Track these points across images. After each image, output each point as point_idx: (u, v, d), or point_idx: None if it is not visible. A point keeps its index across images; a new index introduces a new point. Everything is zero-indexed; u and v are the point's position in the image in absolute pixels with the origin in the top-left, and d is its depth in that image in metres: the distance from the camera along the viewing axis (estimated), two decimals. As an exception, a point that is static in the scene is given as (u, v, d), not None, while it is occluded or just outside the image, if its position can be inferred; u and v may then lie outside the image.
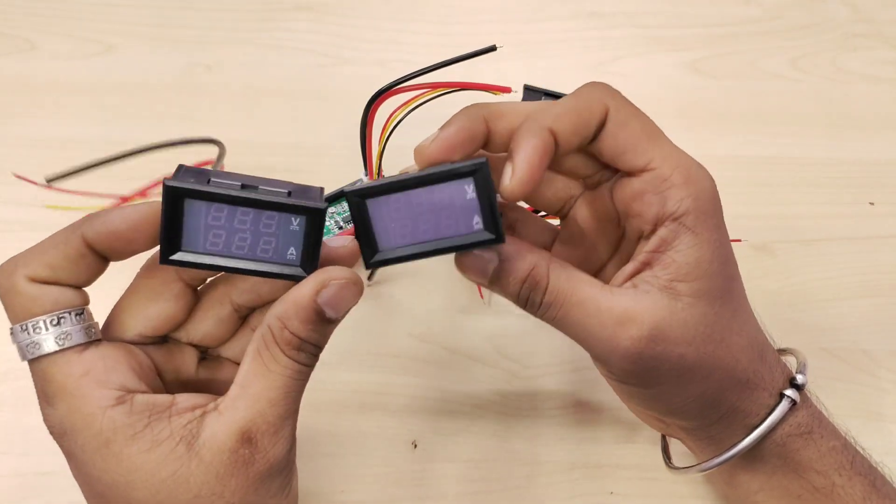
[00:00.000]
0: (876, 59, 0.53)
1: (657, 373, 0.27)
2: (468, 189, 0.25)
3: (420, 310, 0.42)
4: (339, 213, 0.41)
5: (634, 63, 0.53)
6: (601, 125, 0.26)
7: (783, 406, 0.29)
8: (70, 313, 0.25)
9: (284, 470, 0.26)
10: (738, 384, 0.28)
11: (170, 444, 0.24)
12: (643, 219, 0.27)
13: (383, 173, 0.40)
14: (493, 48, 0.32)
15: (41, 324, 0.24)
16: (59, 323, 0.24)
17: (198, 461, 0.24)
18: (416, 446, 0.38)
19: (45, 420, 0.25)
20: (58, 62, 0.52)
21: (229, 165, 0.47)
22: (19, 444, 0.38)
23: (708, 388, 0.28)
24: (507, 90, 0.34)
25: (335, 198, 0.42)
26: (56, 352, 0.24)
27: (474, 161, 0.25)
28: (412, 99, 0.36)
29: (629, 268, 0.27)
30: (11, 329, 0.24)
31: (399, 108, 0.37)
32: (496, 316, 0.42)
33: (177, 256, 0.25)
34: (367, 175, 0.40)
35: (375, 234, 0.26)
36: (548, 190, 0.30)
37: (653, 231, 0.27)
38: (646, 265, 0.27)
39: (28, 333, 0.24)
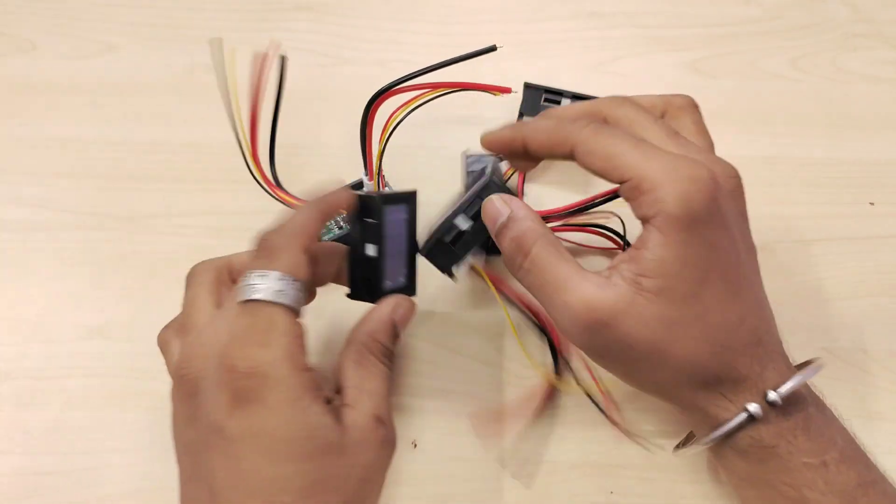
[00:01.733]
0: (876, 59, 0.53)
1: (608, 353, 0.30)
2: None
3: (420, 309, 0.42)
4: (339, 216, 0.42)
5: (634, 63, 0.53)
6: (571, 155, 0.31)
7: (738, 418, 0.29)
8: (304, 286, 0.30)
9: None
10: (695, 383, 0.29)
11: (329, 417, 0.29)
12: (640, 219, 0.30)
13: (383, 174, 0.40)
14: (493, 48, 0.32)
15: (293, 281, 0.30)
16: (300, 288, 0.30)
17: (349, 436, 0.29)
18: (415, 446, 0.38)
19: (246, 359, 0.28)
20: (58, 62, 0.52)
21: (232, 165, 0.47)
22: (20, 444, 0.38)
23: (661, 378, 0.30)
24: (506, 90, 0.34)
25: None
26: (290, 306, 0.30)
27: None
28: (412, 99, 0.36)
29: (621, 256, 0.30)
30: (270, 275, 0.30)
31: (399, 108, 0.37)
32: (496, 315, 0.42)
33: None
34: (367, 175, 0.40)
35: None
36: None
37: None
38: (628, 259, 0.29)
39: (285, 283, 0.29)
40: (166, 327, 0.34)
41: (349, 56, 0.52)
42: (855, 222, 0.46)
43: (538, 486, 0.37)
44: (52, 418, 0.39)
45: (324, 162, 0.48)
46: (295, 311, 0.30)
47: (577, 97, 0.38)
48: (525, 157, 0.33)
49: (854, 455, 0.30)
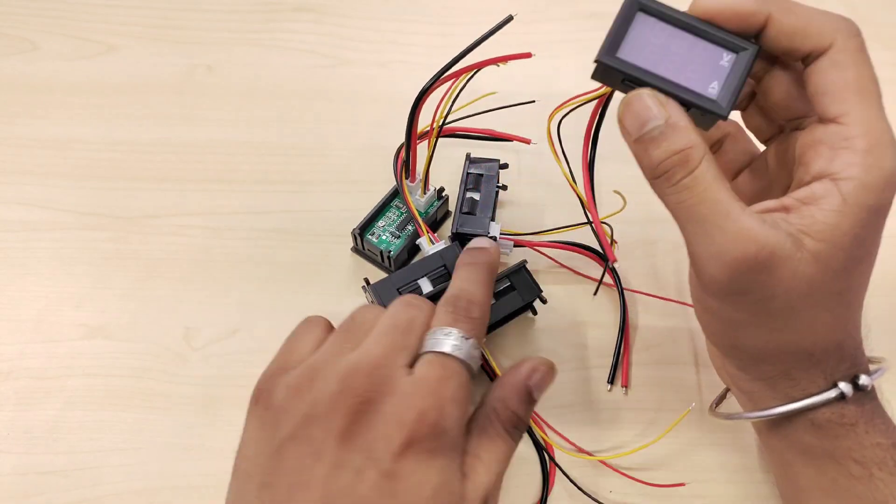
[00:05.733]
0: (874, 60, 0.53)
1: (742, 298, 0.27)
2: (725, 58, 0.27)
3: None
4: (388, 225, 0.42)
5: (634, 64, 0.53)
6: (818, 53, 0.26)
7: (829, 393, 0.29)
8: None
9: None
10: (800, 354, 0.29)
11: (459, 486, 0.27)
12: (807, 169, 0.27)
13: (430, 178, 0.41)
14: (510, 18, 0.32)
15: (478, 349, 0.29)
16: (479, 353, 0.29)
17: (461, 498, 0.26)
18: (416, 446, 0.38)
19: (436, 411, 0.26)
20: (59, 62, 0.52)
21: (232, 165, 0.48)
22: (21, 443, 0.38)
23: (773, 341, 0.28)
24: (527, 55, 0.34)
25: (378, 212, 0.42)
26: (475, 374, 0.29)
27: (748, 42, 0.27)
28: (448, 90, 0.36)
29: (769, 203, 0.27)
30: (470, 341, 0.28)
31: (439, 104, 0.37)
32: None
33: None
34: (409, 178, 0.40)
35: (623, 42, 0.27)
36: (753, 120, 0.32)
37: (809, 183, 0.26)
38: (784, 209, 0.27)
39: (478, 352, 0.29)
40: (264, 378, 0.29)
41: (350, 57, 0.53)
42: (854, 223, 0.46)
43: (538, 485, 0.37)
44: (53, 418, 0.39)
45: (324, 162, 0.48)
46: (472, 375, 0.29)
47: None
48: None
49: None
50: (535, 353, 0.41)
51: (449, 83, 0.36)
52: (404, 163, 0.40)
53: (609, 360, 0.40)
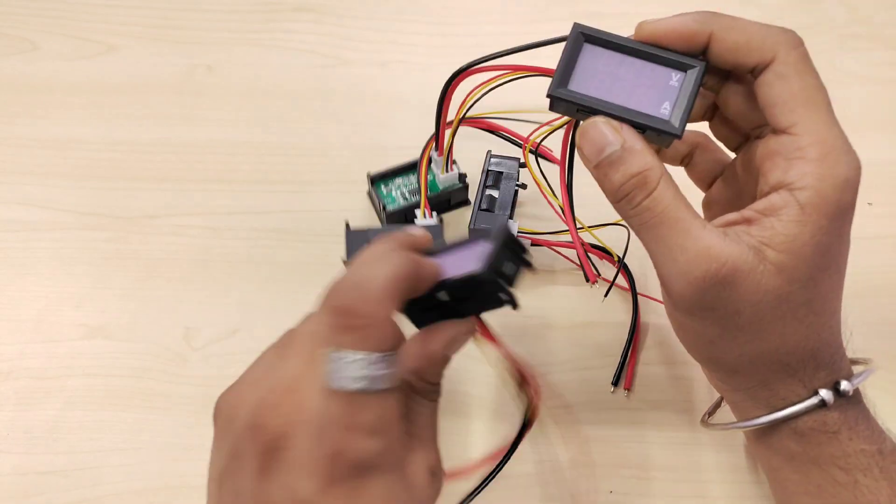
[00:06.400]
0: (873, 60, 0.53)
1: (710, 314, 0.28)
2: (674, 78, 0.28)
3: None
4: (405, 186, 0.44)
5: (634, 64, 0.53)
6: (763, 66, 0.27)
7: (810, 401, 0.29)
8: (396, 355, 0.24)
9: None
10: (774, 365, 0.29)
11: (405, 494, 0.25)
12: (765, 179, 0.27)
13: (453, 153, 0.42)
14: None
15: (386, 357, 0.23)
16: (394, 362, 0.24)
17: (412, 496, 0.25)
18: (416, 445, 0.38)
19: (354, 450, 0.23)
20: (59, 62, 0.52)
21: (232, 165, 0.48)
22: (20, 443, 0.38)
23: (746, 354, 0.29)
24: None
25: (404, 170, 0.44)
26: (388, 389, 0.24)
27: (695, 59, 0.27)
28: (488, 80, 0.36)
29: (731, 216, 0.28)
30: (361, 359, 0.23)
31: (476, 88, 0.37)
32: (496, 317, 0.42)
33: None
34: (437, 151, 0.42)
35: (573, 73, 0.28)
36: (720, 130, 0.32)
37: (768, 193, 0.27)
38: (746, 221, 0.27)
39: (380, 365, 0.23)
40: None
41: (350, 57, 0.53)
42: (854, 222, 0.46)
43: (538, 485, 0.37)
44: (52, 418, 0.39)
45: (324, 162, 0.48)
46: (392, 389, 0.24)
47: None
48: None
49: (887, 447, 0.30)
50: (540, 352, 0.41)
51: (498, 73, 0.34)
52: (434, 134, 0.41)
53: (611, 360, 0.40)
